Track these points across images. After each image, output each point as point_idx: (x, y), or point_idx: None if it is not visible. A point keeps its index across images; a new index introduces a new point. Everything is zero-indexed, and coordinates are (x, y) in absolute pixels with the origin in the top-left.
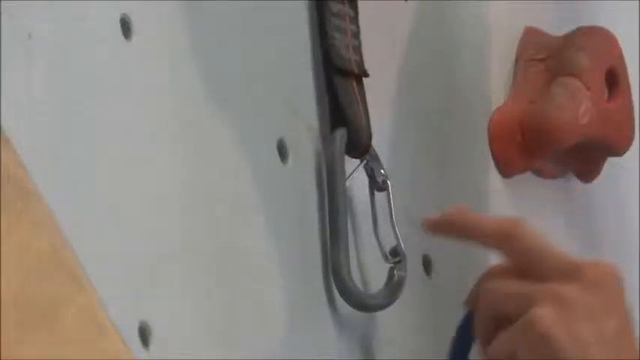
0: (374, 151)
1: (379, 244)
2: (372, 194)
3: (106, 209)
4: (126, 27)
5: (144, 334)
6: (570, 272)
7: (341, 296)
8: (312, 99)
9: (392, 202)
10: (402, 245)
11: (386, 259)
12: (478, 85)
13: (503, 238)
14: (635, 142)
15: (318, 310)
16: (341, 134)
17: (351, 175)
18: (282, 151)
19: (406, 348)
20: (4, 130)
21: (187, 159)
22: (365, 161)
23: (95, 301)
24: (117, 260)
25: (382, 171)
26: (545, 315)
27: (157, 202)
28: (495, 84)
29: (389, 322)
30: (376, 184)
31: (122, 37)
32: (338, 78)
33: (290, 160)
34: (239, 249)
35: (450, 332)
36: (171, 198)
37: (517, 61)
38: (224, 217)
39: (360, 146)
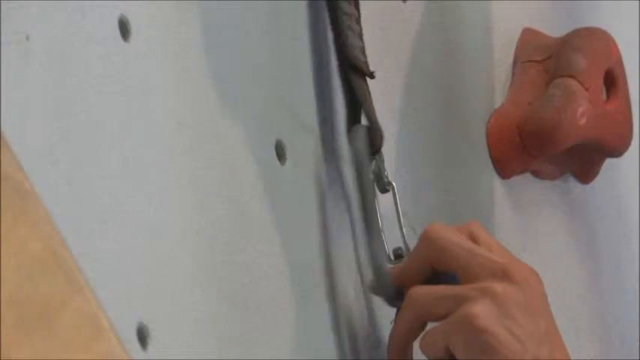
0: (382, 152)
1: (384, 244)
2: (374, 194)
3: (104, 210)
4: (124, 28)
5: (142, 336)
6: (498, 272)
7: (378, 288)
8: (316, 100)
9: (399, 204)
10: (409, 247)
11: (389, 260)
12: (476, 87)
13: (428, 252)
14: (634, 143)
15: (319, 311)
16: (363, 129)
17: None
18: (279, 152)
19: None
20: (2, 132)
21: (185, 160)
22: (374, 160)
23: (93, 302)
24: (115, 262)
25: (386, 173)
26: (482, 310)
27: (155, 204)
28: (493, 85)
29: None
30: (381, 185)
31: (120, 38)
32: (355, 76)
33: (288, 161)
34: (238, 250)
35: None
36: (169, 199)
37: (515, 62)
38: (222, 218)
39: (375, 144)
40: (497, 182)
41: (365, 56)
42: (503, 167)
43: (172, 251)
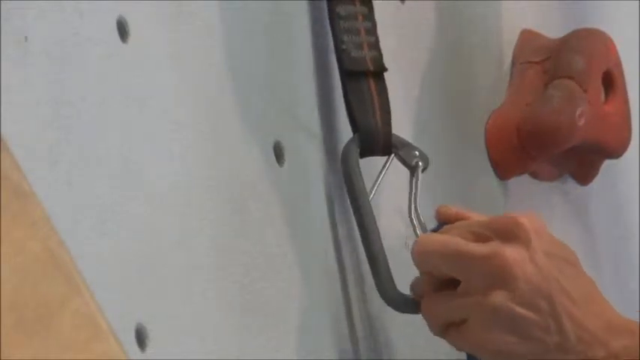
0: (399, 140)
1: (414, 227)
2: (413, 175)
3: (103, 211)
4: (122, 29)
5: (140, 337)
6: (512, 229)
7: (384, 298)
8: (314, 102)
9: (419, 183)
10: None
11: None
12: (475, 88)
13: (423, 267)
14: (632, 145)
15: (318, 311)
16: (354, 141)
17: (382, 172)
18: (278, 153)
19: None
20: (1, 132)
21: (184, 160)
22: (391, 157)
23: (91, 303)
24: (113, 262)
25: (416, 152)
26: (512, 251)
27: (154, 204)
28: (492, 86)
29: (389, 324)
30: (410, 167)
31: (118, 39)
32: (350, 81)
33: (286, 162)
34: (236, 251)
35: None
36: (168, 200)
37: (514, 63)
38: (221, 219)
39: (378, 145)
40: (496, 183)
41: (377, 50)
42: (502, 168)
43: (171, 252)
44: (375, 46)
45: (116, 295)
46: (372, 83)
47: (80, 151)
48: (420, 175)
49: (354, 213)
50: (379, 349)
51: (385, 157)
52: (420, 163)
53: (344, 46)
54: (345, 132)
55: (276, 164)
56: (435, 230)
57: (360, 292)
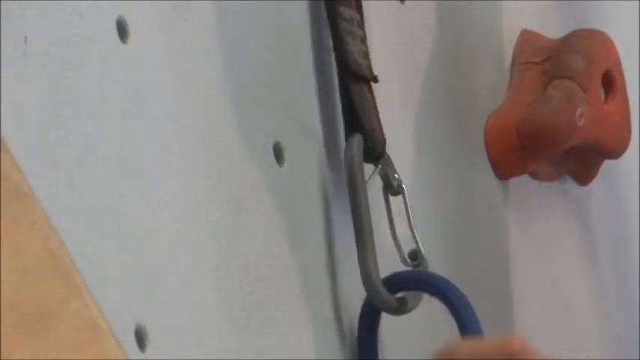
0: (387, 155)
1: (398, 247)
2: (386, 199)
3: (102, 212)
4: (122, 30)
5: (140, 338)
6: None
7: (372, 300)
8: (314, 102)
9: (409, 205)
10: (422, 248)
11: (405, 262)
12: (474, 88)
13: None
14: (632, 145)
15: (317, 312)
16: (358, 140)
17: (368, 180)
18: (277, 153)
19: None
20: (1, 133)
21: (184, 161)
22: (380, 166)
23: (91, 304)
24: (113, 263)
25: (396, 175)
26: None
27: (153, 205)
28: (492, 87)
29: (389, 325)
30: (391, 189)
31: (118, 40)
32: (353, 84)
33: (286, 162)
34: (236, 251)
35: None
36: (167, 200)
37: (513, 63)
38: (221, 220)
39: (375, 152)
40: (496, 183)
41: (368, 60)
42: (502, 169)
43: (171, 253)
44: (367, 55)
45: (116, 295)
46: (369, 90)
47: (80, 151)
48: (392, 198)
49: (353, 214)
50: (381, 348)
51: (372, 167)
52: (403, 186)
53: (349, 47)
54: None
55: (276, 164)
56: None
57: (362, 291)
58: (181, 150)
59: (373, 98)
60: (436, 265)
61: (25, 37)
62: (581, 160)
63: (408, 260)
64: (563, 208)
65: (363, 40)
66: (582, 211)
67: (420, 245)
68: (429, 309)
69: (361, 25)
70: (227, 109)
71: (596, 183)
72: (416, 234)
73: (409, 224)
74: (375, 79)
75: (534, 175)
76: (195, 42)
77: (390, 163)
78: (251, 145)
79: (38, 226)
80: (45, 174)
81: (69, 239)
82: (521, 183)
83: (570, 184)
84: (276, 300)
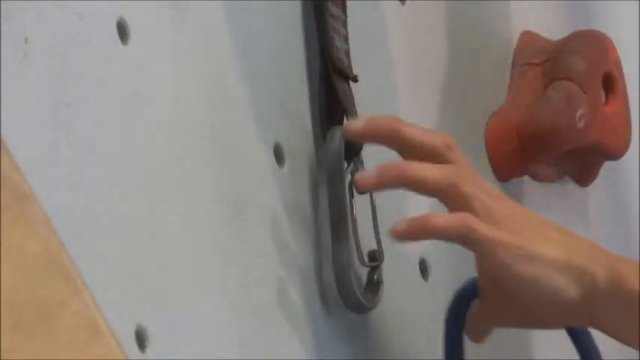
0: (361, 155)
1: (357, 246)
2: (351, 196)
3: (102, 212)
4: (122, 31)
5: (140, 339)
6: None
7: (340, 296)
8: (306, 101)
9: (375, 205)
10: (382, 250)
11: (363, 263)
12: (475, 89)
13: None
14: (632, 146)
15: (316, 312)
16: (342, 132)
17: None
18: (278, 154)
19: (402, 351)
20: (1, 134)
21: (184, 162)
22: (352, 163)
23: (91, 304)
24: (113, 264)
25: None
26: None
27: (154, 205)
28: (492, 88)
29: (385, 325)
30: (357, 187)
31: (119, 41)
32: (338, 79)
33: (286, 164)
34: (237, 251)
35: None
36: (168, 201)
37: (514, 65)
38: (221, 220)
39: (354, 148)
40: (496, 185)
41: (349, 59)
42: (502, 170)
43: (171, 254)
44: (349, 54)
45: (116, 295)
46: (349, 88)
47: (80, 151)
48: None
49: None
50: (382, 348)
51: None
52: None
53: (335, 43)
54: None
55: (277, 166)
56: None
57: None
58: (181, 151)
59: (353, 96)
60: (437, 266)
61: (26, 38)
62: (582, 162)
63: (366, 261)
64: (564, 209)
65: (346, 38)
66: (582, 212)
67: (382, 246)
68: None
69: (345, 24)
70: (227, 110)
71: (596, 184)
72: (379, 234)
73: (374, 223)
74: (355, 79)
75: (534, 176)
76: (195, 43)
77: (362, 162)
78: (252, 147)
79: (38, 227)
80: (45, 175)
81: (69, 240)
82: (522, 184)
83: (570, 185)
84: (276, 300)
